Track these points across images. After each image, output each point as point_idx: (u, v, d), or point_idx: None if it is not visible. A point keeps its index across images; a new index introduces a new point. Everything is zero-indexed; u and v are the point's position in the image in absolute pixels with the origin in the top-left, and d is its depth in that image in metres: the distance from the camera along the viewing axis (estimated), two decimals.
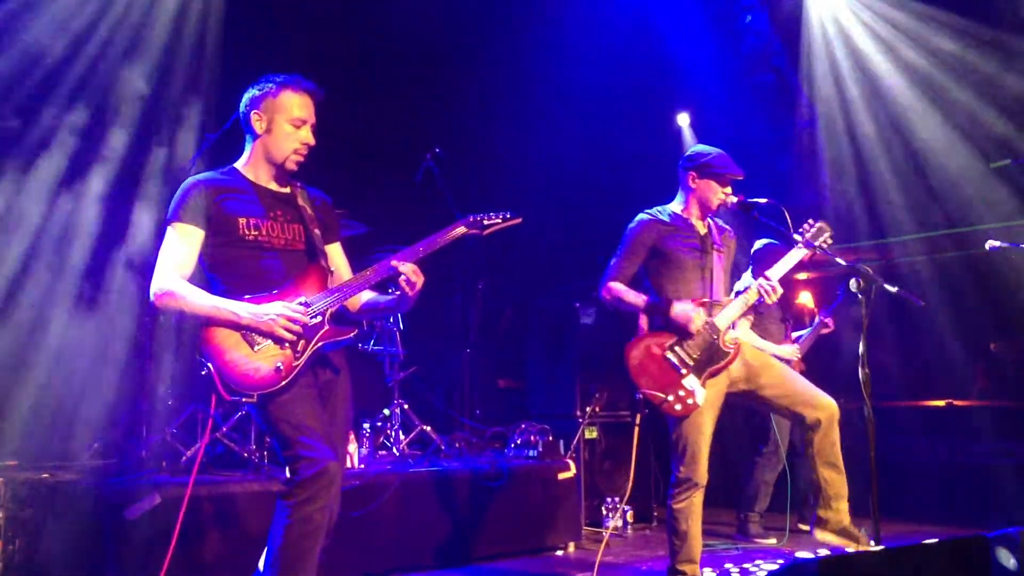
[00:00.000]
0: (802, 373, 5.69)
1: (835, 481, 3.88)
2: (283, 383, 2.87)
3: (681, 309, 3.83)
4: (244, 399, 2.85)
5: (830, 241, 3.95)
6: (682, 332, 3.84)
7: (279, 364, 2.87)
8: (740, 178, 3.99)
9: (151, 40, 5.37)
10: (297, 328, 2.90)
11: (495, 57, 7.08)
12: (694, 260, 3.97)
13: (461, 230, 3.27)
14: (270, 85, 3.09)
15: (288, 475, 2.89)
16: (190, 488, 3.27)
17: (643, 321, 4.00)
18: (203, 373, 2.84)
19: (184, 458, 4.44)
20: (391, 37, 6.58)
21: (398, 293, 3.10)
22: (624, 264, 4.02)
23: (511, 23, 7.08)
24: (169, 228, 3.00)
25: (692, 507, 3.83)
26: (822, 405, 3.85)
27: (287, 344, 2.91)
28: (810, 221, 3.97)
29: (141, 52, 5.34)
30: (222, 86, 5.59)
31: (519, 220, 3.37)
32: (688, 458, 3.82)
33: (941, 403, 6.16)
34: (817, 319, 5.66)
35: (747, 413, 6.16)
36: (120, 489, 3.97)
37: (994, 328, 6.09)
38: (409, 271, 3.05)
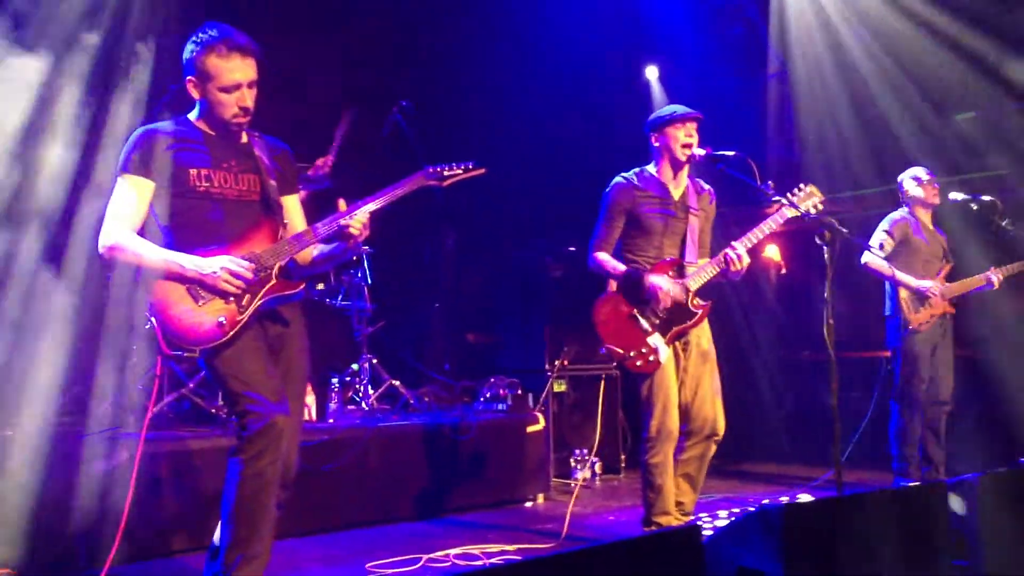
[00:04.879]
0: (952, 317, 5.45)
1: (685, 493, 3.97)
2: (225, 338, 2.83)
3: (654, 282, 3.83)
4: (186, 354, 2.82)
5: (820, 207, 3.84)
6: (653, 301, 3.86)
7: (222, 319, 2.83)
8: (698, 117, 3.94)
9: None
10: (240, 283, 2.85)
11: (464, 9, 6.96)
12: (668, 225, 3.98)
13: (419, 181, 3.22)
14: (196, 48, 2.90)
15: (238, 430, 2.86)
16: (140, 446, 3.23)
17: (612, 283, 4.01)
18: (146, 327, 2.80)
19: (150, 414, 4.41)
20: None
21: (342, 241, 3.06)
22: (605, 231, 4.03)
23: None
24: (119, 179, 2.91)
25: (666, 461, 3.89)
26: (710, 421, 3.92)
27: (232, 298, 2.86)
28: (801, 185, 3.89)
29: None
30: (183, 34, 5.42)
31: (482, 171, 3.31)
32: (658, 412, 3.86)
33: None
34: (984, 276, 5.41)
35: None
36: (87, 446, 3.93)
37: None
38: (356, 223, 2.99)
